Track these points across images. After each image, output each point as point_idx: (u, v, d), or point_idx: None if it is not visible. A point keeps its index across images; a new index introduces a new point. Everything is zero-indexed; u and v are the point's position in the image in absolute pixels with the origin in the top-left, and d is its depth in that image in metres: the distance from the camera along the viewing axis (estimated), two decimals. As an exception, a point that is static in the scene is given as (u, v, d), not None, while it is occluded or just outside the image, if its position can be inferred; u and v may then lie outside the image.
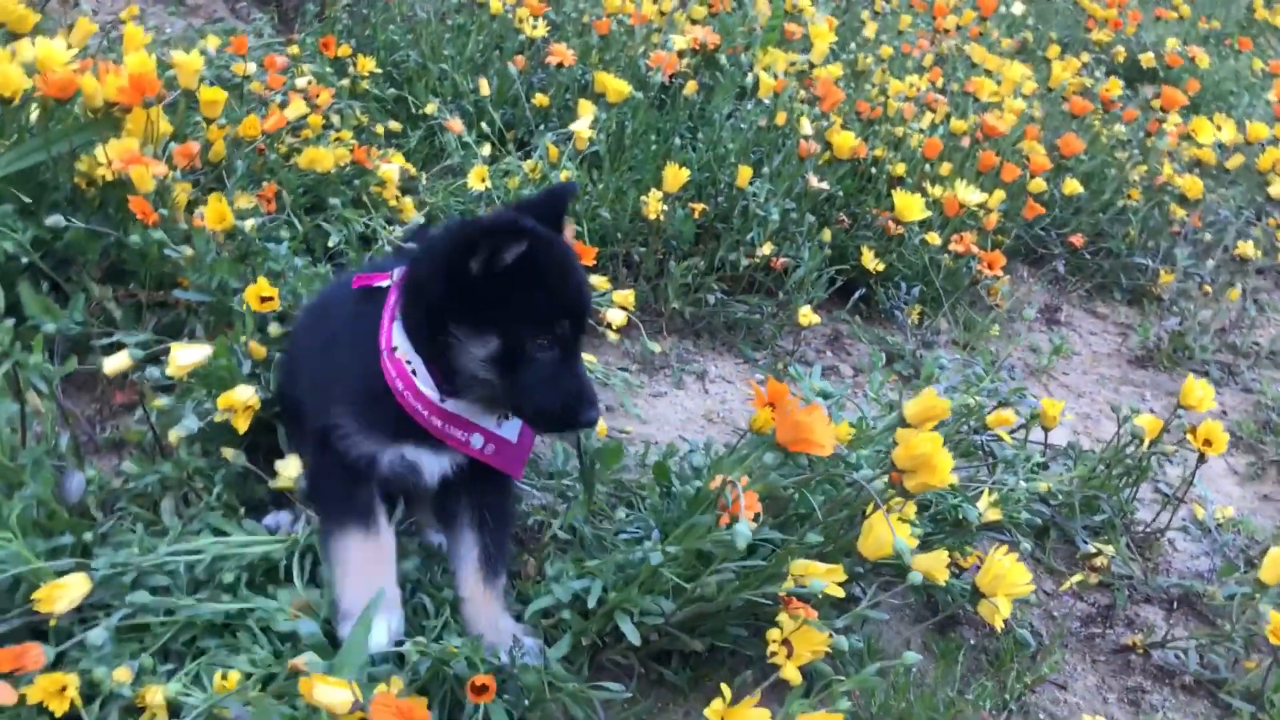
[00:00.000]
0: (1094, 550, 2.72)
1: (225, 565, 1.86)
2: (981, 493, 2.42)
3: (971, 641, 2.41)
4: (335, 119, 3.53)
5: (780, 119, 3.95)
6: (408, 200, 3.27)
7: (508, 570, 2.07)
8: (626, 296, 2.96)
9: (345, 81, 3.84)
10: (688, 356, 3.46)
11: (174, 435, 2.05)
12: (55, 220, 2.37)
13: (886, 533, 1.81)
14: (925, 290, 3.94)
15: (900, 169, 4.10)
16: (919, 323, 3.91)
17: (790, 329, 3.66)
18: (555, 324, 1.85)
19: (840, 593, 1.83)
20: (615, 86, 3.57)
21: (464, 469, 2.04)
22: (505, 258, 1.80)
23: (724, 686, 1.65)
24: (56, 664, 1.67)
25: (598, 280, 2.92)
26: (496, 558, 2.02)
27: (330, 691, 1.41)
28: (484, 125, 3.84)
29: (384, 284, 2.01)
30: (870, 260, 3.80)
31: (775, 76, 4.13)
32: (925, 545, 2.07)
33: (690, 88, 3.98)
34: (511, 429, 2.03)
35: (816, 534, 1.94)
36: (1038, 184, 4.31)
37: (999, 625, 1.96)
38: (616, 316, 2.92)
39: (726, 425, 3.15)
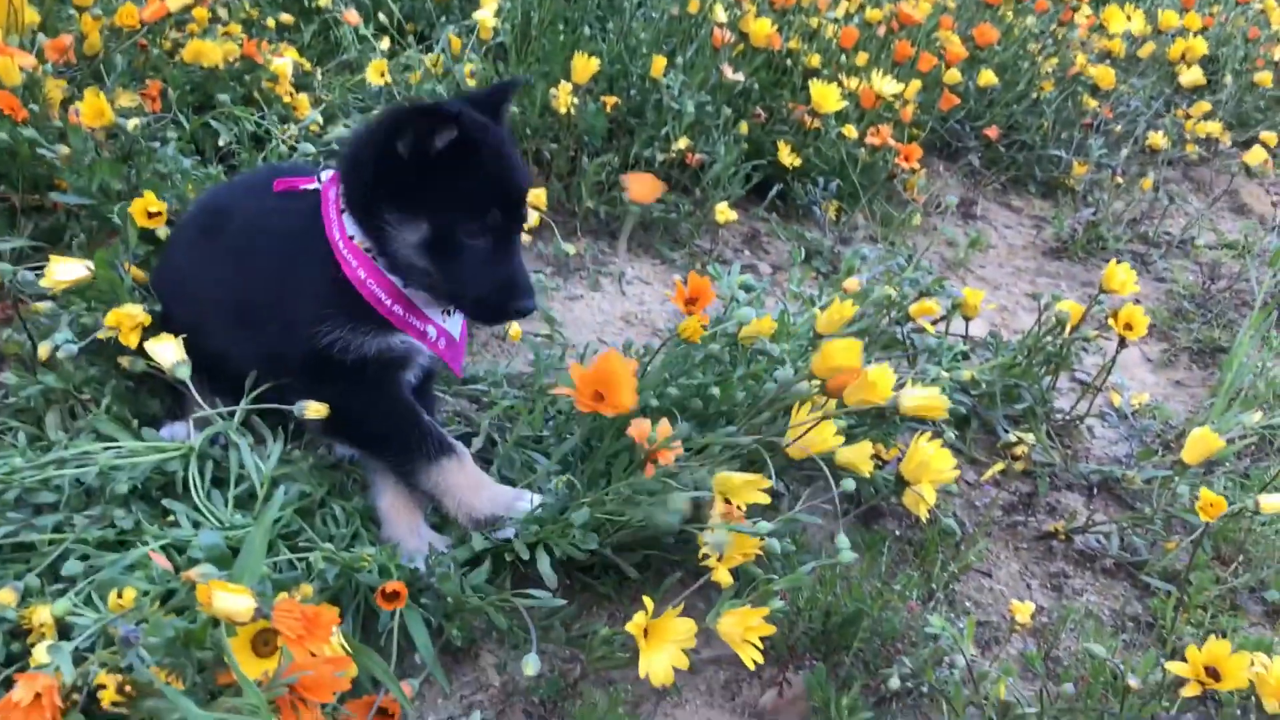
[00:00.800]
0: (1015, 439, 2.72)
1: (117, 477, 1.74)
2: (905, 383, 2.38)
3: (896, 533, 2.40)
4: (223, 12, 3.32)
5: (693, 7, 3.82)
6: (302, 97, 3.09)
7: None
8: (538, 195, 2.85)
9: (232, -28, 3.61)
10: (603, 258, 3.36)
11: (44, 350, 1.89)
12: (-89, 119, 2.18)
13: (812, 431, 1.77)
14: (842, 186, 3.86)
15: (815, 60, 4.00)
16: (837, 219, 3.85)
17: (708, 227, 3.58)
18: (487, 211, 1.81)
19: (767, 499, 1.79)
20: (520, -26, 3.41)
21: None
22: (435, 143, 1.75)
23: (647, 599, 1.60)
24: (-67, 590, 1.56)
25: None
26: None
27: (230, 599, 1.31)
28: (382, 18, 3.65)
29: (311, 187, 1.90)
30: (787, 155, 3.72)
31: (687, -36, 3.99)
32: (849, 438, 2.03)
33: (599, -24, 3.83)
34: (454, 324, 1.98)
35: (742, 434, 1.89)
36: (953, 75, 4.24)
37: (924, 514, 1.93)
38: (528, 217, 2.80)
39: (645, 327, 3.07)
